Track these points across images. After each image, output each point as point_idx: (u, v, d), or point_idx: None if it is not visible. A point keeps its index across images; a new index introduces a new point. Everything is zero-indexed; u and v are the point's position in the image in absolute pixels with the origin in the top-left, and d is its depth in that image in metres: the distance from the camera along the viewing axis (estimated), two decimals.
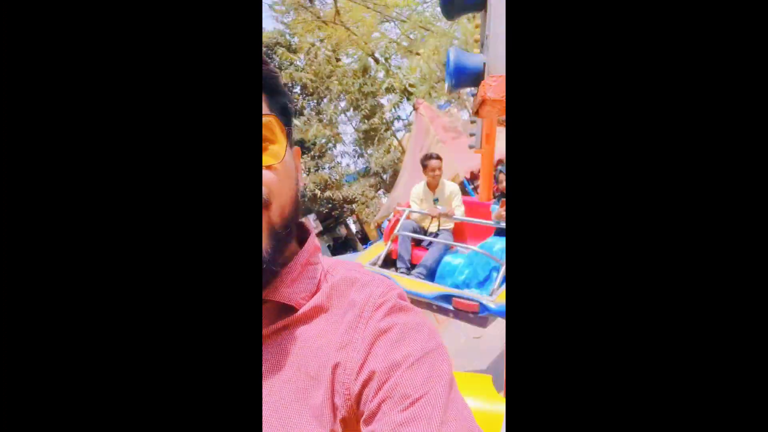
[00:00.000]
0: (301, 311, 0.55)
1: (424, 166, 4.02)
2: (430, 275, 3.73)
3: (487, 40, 0.95)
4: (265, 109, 0.54)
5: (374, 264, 4.06)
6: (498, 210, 3.58)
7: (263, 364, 0.53)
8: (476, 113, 1.02)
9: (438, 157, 4.02)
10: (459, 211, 3.91)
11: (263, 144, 0.51)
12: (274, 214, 0.52)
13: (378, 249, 4.29)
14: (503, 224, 3.48)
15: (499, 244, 3.61)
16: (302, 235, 0.65)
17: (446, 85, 0.97)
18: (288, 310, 0.56)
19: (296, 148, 0.63)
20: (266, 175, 0.51)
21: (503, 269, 3.32)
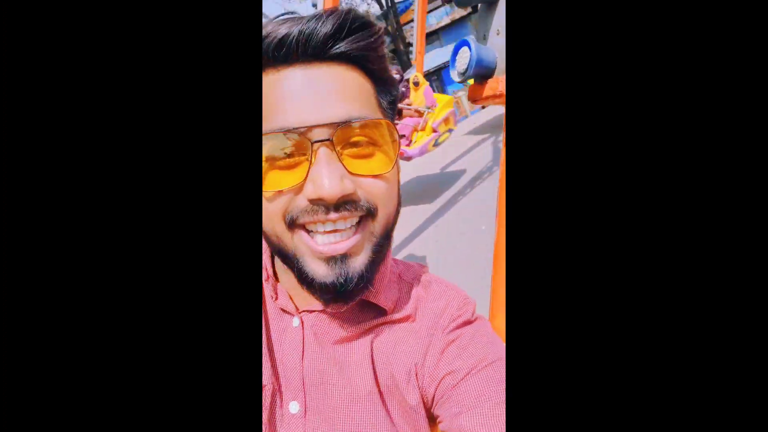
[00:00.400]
0: (392, 316, 0.56)
1: None
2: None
3: (492, 37, 1.00)
4: (374, 104, 0.49)
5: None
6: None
7: (350, 358, 0.54)
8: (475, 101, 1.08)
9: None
10: None
11: (371, 149, 0.47)
12: (378, 224, 0.49)
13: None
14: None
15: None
16: None
17: (457, 74, 1.01)
18: (377, 311, 0.57)
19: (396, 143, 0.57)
20: (373, 185, 0.47)
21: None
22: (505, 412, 0.44)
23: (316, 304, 0.57)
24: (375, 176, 0.47)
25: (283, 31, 0.45)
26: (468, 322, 0.55)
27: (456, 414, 0.47)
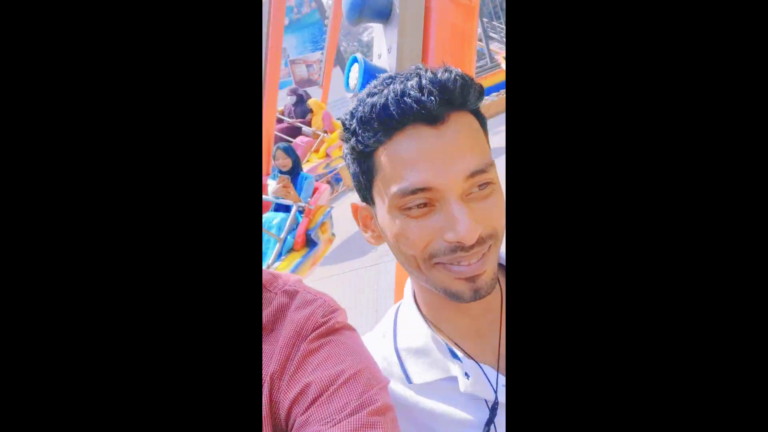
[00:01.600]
0: None
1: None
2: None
3: (384, 55, 1.06)
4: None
5: None
6: (274, 185, 3.76)
7: None
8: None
9: None
10: None
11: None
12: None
13: None
14: (282, 200, 3.72)
15: (277, 218, 3.79)
16: None
17: (350, 89, 1.06)
18: None
19: None
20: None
21: (279, 244, 3.57)
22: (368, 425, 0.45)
23: None
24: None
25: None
26: (333, 331, 0.54)
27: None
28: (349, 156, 0.60)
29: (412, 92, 0.51)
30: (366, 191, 0.60)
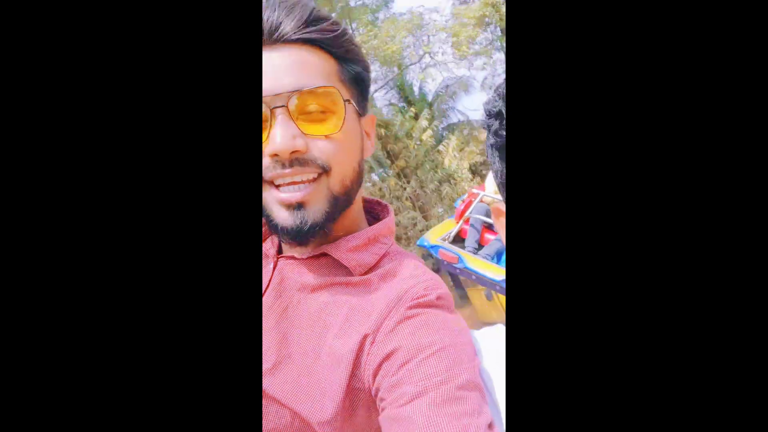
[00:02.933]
0: (355, 278, 0.59)
1: None
2: (497, 258, 3.77)
3: None
4: (333, 77, 0.57)
5: (444, 240, 4.14)
6: None
7: (303, 308, 0.58)
8: None
9: None
10: None
11: (324, 114, 0.55)
12: (333, 181, 0.56)
13: (449, 226, 4.36)
14: None
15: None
16: (378, 213, 0.69)
17: None
18: (344, 271, 0.60)
19: (370, 116, 0.65)
20: (325, 144, 0.55)
21: None
22: (457, 399, 0.45)
23: (294, 253, 0.63)
24: (326, 136, 0.55)
25: (265, 18, 0.55)
26: (431, 304, 0.55)
27: (401, 402, 0.46)
28: (496, 149, 0.53)
29: None
30: None
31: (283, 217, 0.56)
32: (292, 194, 0.55)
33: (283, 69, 0.54)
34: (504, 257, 3.76)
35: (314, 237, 0.57)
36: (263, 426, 0.54)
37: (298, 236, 0.56)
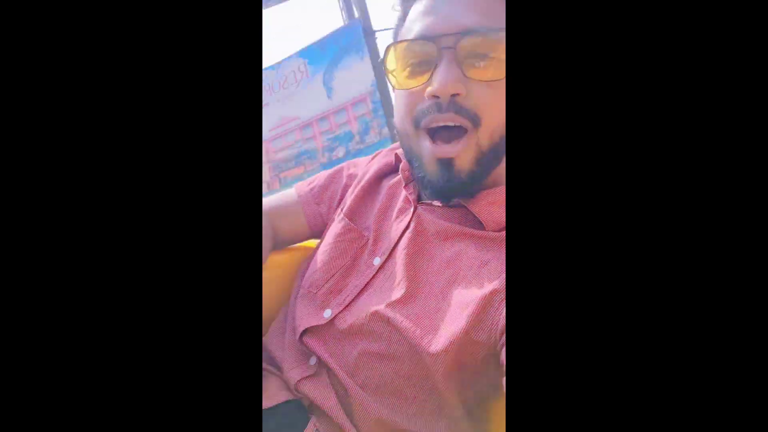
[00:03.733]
0: (492, 234, 0.57)
1: None
2: None
3: None
4: (503, 17, 0.54)
5: None
6: None
7: (437, 252, 0.58)
8: None
9: None
10: None
11: (491, 60, 0.52)
12: (483, 135, 0.54)
13: None
14: None
15: None
16: None
17: None
18: (478, 225, 0.59)
19: None
20: (484, 91, 0.53)
21: None
22: None
23: (436, 202, 0.63)
24: (487, 82, 0.53)
25: None
26: None
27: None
28: None
29: None
30: None
31: (431, 171, 0.56)
32: (443, 148, 0.54)
33: (455, 8, 0.53)
34: None
35: (457, 194, 0.58)
36: (384, 351, 0.55)
37: (443, 192, 0.57)
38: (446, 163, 0.55)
